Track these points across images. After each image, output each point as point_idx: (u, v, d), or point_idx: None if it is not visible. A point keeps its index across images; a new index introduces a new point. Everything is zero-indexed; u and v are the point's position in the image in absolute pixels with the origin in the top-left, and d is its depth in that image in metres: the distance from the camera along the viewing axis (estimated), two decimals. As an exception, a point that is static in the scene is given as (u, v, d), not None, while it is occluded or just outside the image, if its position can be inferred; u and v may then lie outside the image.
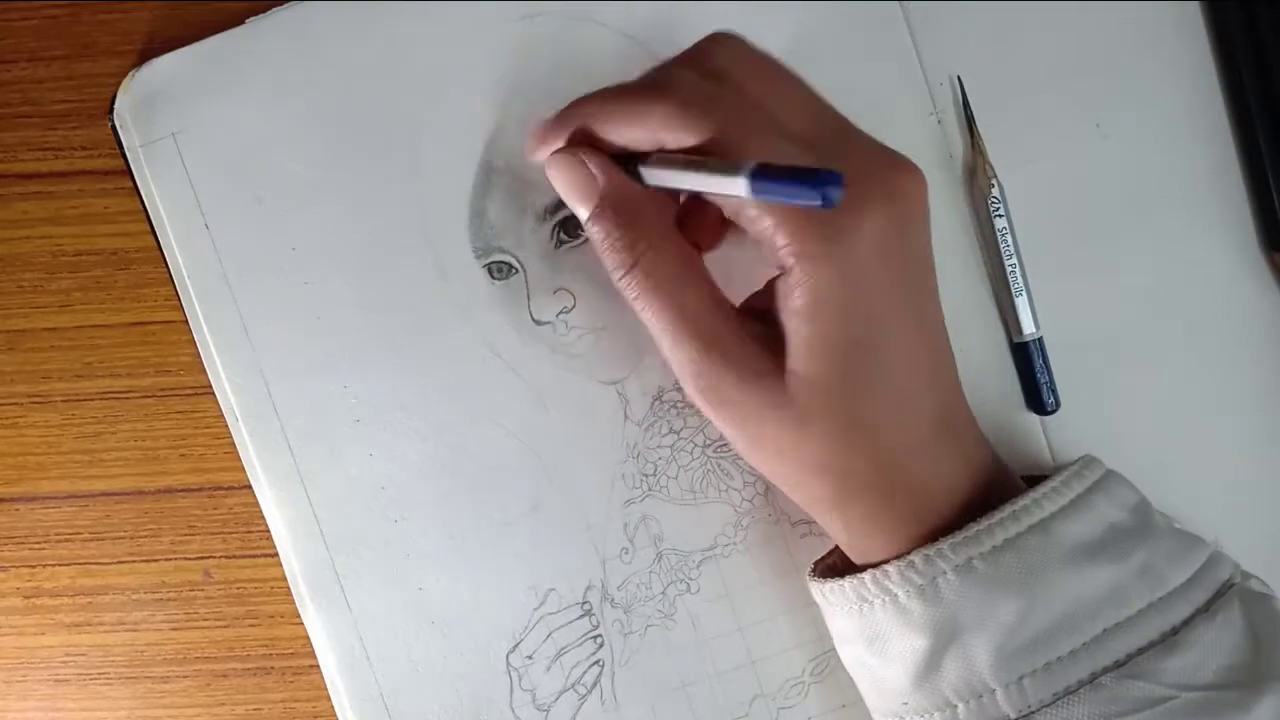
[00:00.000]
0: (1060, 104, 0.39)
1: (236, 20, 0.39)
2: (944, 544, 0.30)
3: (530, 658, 0.39)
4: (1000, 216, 0.38)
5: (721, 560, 0.39)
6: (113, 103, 0.39)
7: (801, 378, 0.30)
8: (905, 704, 0.32)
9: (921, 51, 0.39)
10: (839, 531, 0.33)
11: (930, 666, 0.31)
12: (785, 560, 0.39)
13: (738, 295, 0.34)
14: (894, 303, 0.31)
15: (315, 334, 0.39)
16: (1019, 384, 0.39)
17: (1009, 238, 0.38)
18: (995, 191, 0.38)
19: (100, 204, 0.40)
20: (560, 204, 0.38)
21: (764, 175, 0.27)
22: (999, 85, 0.39)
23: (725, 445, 0.39)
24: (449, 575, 0.39)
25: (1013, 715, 0.30)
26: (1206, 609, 0.31)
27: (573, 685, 0.39)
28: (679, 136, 0.30)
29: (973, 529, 0.30)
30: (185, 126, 0.38)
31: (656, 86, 0.31)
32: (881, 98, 0.39)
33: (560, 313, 0.39)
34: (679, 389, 0.39)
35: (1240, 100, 0.39)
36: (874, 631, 0.32)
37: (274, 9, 0.39)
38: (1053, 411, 0.39)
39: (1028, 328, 0.38)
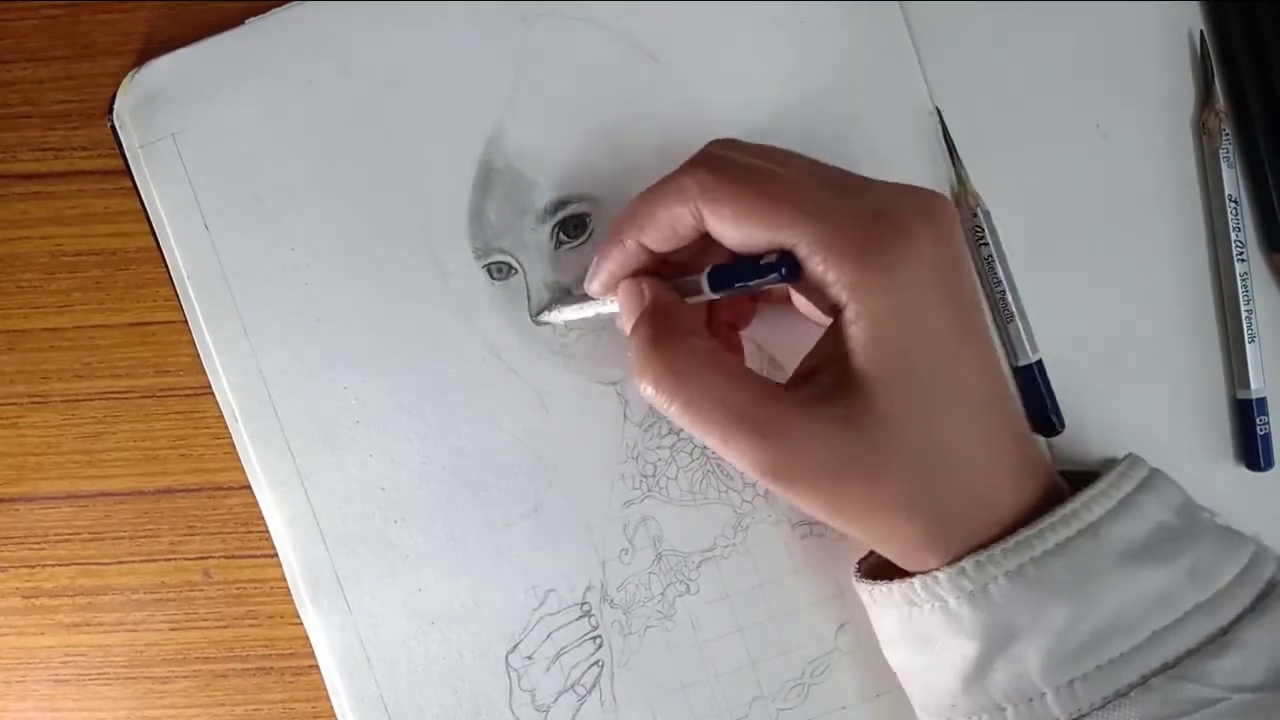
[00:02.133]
0: (1060, 104, 0.39)
1: (236, 20, 0.39)
2: (995, 550, 0.30)
3: (530, 658, 0.39)
4: (984, 245, 0.38)
5: (721, 561, 0.39)
6: (112, 103, 0.39)
7: (876, 416, 0.30)
8: (953, 706, 0.32)
9: (921, 51, 0.39)
10: (932, 565, 0.32)
11: (980, 671, 0.31)
12: (785, 562, 0.39)
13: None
14: (954, 323, 0.30)
15: (315, 334, 0.39)
16: (1022, 405, 0.39)
17: (995, 265, 0.38)
18: (979, 220, 0.38)
19: (100, 204, 0.40)
20: (560, 204, 0.39)
21: (719, 275, 0.31)
22: (999, 85, 0.39)
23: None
24: (448, 576, 0.39)
25: (1063, 718, 0.30)
26: (1253, 609, 0.30)
27: (572, 686, 0.39)
28: (715, 206, 0.31)
29: (1023, 534, 0.30)
30: (185, 127, 0.38)
31: (685, 166, 0.32)
32: (881, 98, 0.39)
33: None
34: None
35: (1240, 100, 0.39)
36: (923, 635, 0.32)
37: (274, 9, 0.39)
38: (1059, 433, 0.39)
39: (1023, 353, 0.38)
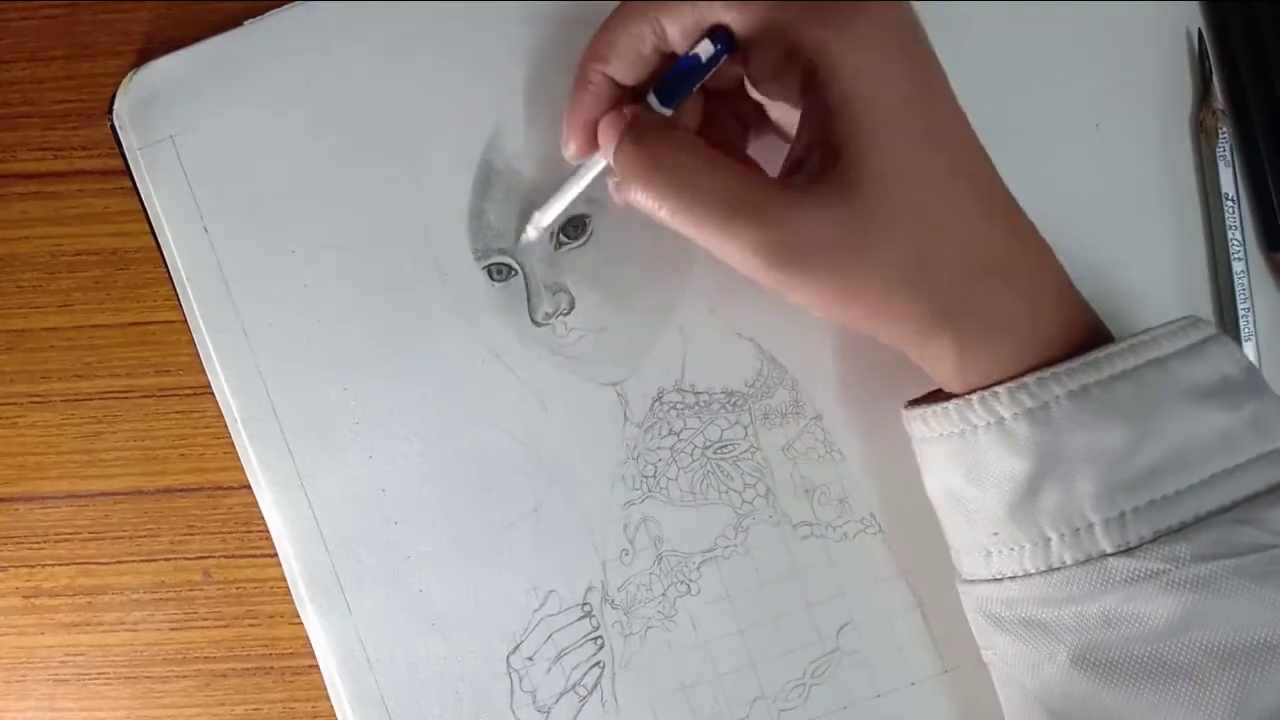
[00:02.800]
0: (1060, 104, 0.39)
1: (236, 21, 0.39)
2: (1060, 368, 0.30)
3: (531, 659, 0.39)
4: None
5: (722, 562, 0.39)
6: (112, 103, 0.39)
7: (867, 177, 0.29)
8: (995, 535, 0.31)
9: (921, 52, 0.39)
10: (950, 356, 0.31)
11: (1029, 494, 0.30)
12: (785, 562, 0.39)
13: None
14: (922, 79, 0.31)
15: (314, 335, 0.39)
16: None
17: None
18: None
19: (100, 204, 0.40)
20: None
21: (666, 87, 0.32)
22: (999, 86, 0.39)
23: (725, 447, 0.39)
24: (449, 577, 0.39)
25: (1110, 550, 0.29)
26: None
27: (573, 687, 0.39)
28: (675, 15, 0.31)
29: (1090, 356, 0.30)
30: (184, 128, 0.38)
31: None
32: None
33: (560, 314, 0.39)
34: (679, 390, 0.39)
35: (1240, 100, 0.39)
36: (973, 458, 0.31)
37: (273, 10, 0.39)
38: None
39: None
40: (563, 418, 0.39)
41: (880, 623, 0.39)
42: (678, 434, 0.39)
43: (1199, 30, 0.39)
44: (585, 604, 0.39)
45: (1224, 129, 0.39)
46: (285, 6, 0.39)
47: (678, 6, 0.31)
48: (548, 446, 0.39)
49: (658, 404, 0.39)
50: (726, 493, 0.39)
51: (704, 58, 0.31)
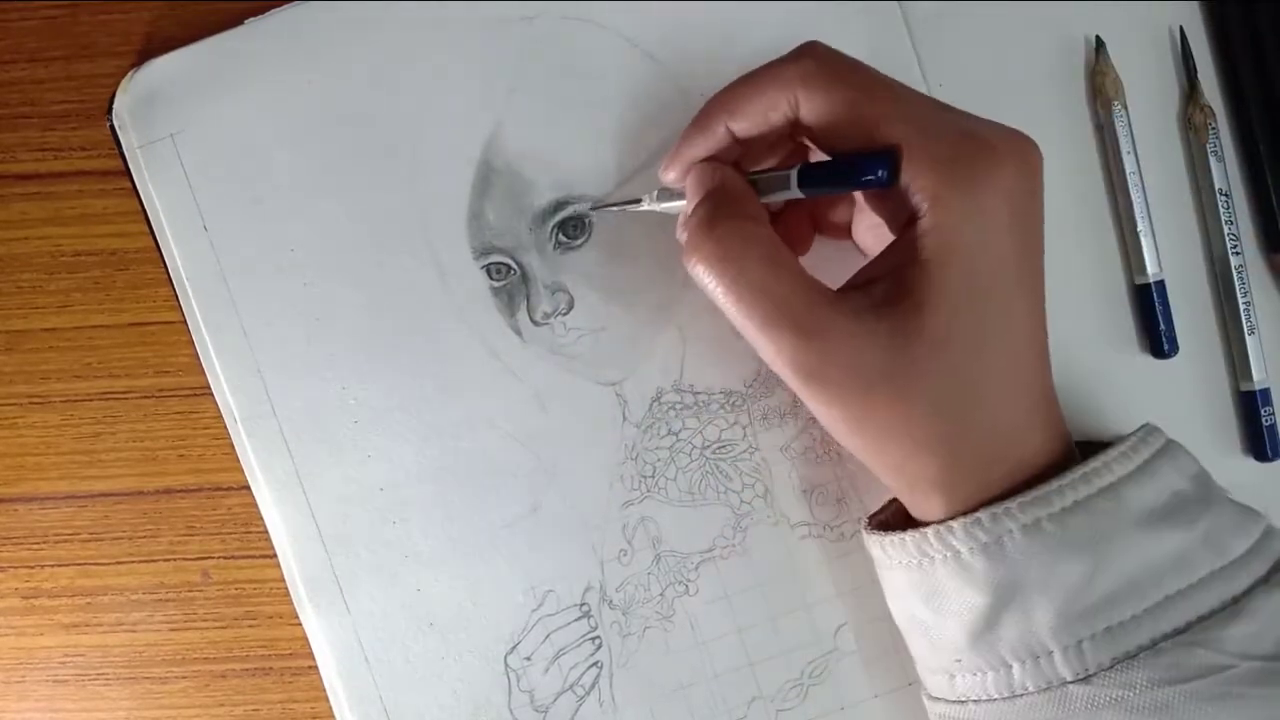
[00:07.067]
0: (1060, 104, 0.39)
1: (236, 20, 0.39)
2: (1012, 503, 0.30)
3: (529, 659, 0.39)
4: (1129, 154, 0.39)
5: (720, 562, 0.39)
6: (111, 103, 0.39)
7: (924, 334, 0.29)
8: (958, 661, 0.32)
9: (921, 52, 0.39)
10: (911, 486, 0.32)
11: (988, 625, 0.31)
12: (784, 562, 0.39)
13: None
14: (1017, 262, 0.30)
15: (314, 335, 0.39)
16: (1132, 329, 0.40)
17: (1138, 178, 0.39)
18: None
19: (99, 204, 0.40)
20: (559, 205, 0.39)
21: (811, 173, 0.31)
22: (998, 86, 0.39)
23: (724, 447, 0.39)
24: (447, 577, 0.39)
25: (1070, 678, 0.30)
26: (1266, 579, 0.30)
27: (571, 686, 0.39)
28: (814, 95, 0.31)
29: (1042, 490, 0.30)
30: (184, 127, 0.38)
31: (787, 56, 0.32)
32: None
33: (559, 314, 0.39)
34: (678, 390, 0.39)
35: (1240, 100, 0.39)
36: (932, 587, 0.32)
37: (273, 9, 0.39)
38: (1170, 355, 0.39)
39: (1151, 268, 0.38)
40: (561, 418, 0.39)
41: (878, 623, 0.38)
42: (676, 434, 0.39)
43: (1180, 28, 0.39)
44: (583, 604, 0.39)
45: (1213, 125, 0.39)
46: (285, 6, 0.39)
47: (819, 91, 0.31)
48: (546, 446, 0.39)
49: (656, 404, 0.39)
50: (725, 493, 0.39)
51: (870, 178, 0.30)
